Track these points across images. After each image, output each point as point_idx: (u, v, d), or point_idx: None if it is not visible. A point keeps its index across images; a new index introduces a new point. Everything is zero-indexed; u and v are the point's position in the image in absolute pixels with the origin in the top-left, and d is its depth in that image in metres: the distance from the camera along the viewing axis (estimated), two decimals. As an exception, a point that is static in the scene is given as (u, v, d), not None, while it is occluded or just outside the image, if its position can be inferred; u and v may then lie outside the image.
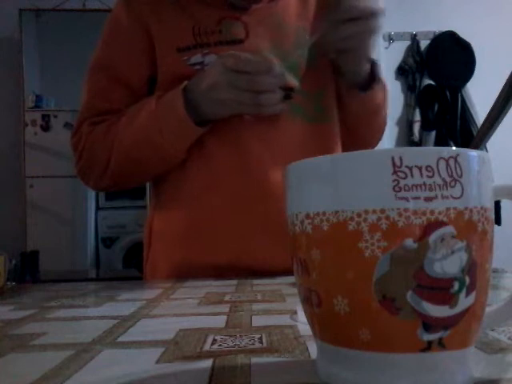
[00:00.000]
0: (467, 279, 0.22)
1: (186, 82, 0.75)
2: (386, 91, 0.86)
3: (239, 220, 0.77)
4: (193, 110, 0.74)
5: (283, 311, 0.44)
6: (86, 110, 0.84)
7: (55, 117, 2.91)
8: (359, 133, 0.91)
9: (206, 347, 0.32)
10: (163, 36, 0.79)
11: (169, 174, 0.82)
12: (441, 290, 0.22)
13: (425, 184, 0.22)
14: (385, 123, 0.93)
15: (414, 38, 3.03)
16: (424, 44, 3.04)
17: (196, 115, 0.74)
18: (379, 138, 0.95)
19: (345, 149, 0.89)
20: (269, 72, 0.71)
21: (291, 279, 0.63)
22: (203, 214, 0.78)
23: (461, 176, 0.22)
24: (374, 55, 0.81)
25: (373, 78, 0.81)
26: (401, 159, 0.22)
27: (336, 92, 0.86)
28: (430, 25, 2.99)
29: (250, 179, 0.77)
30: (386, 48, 3.06)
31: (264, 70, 0.71)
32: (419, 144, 2.96)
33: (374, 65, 0.81)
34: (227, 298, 0.53)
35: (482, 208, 0.23)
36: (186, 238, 0.79)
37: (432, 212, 0.21)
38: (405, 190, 0.22)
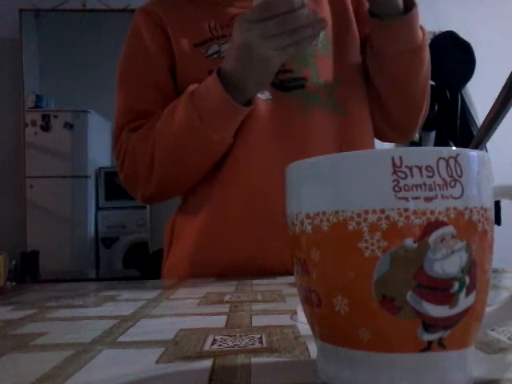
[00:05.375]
0: (467, 279, 0.22)
1: (219, 65, 0.71)
2: (426, 36, 0.80)
3: (257, 219, 0.76)
4: (235, 90, 0.70)
5: (283, 311, 0.44)
6: (123, 114, 0.83)
7: (55, 117, 2.91)
8: (403, 88, 0.84)
9: (206, 347, 0.32)
10: (180, 35, 0.81)
11: None
12: (441, 289, 0.22)
13: (425, 184, 0.22)
14: (428, 83, 0.88)
15: (414, 38, 3.02)
16: (424, 44, 3.04)
17: (241, 94, 0.71)
18: (423, 108, 0.89)
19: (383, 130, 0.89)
20: (300, 7, 0.64)
21: (291, 279, 0.63)
22: (222, 214, 0.78)
23: (461, 176, 0.22)
24: None
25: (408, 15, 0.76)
26: (401, 159, 0.22)
27: (371, 36, 0.81)
28: (430, 25, 2.97)
29: (268, 178, 0.76)
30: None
31: (296, 5, 0.63)
32: (419, 144, 2.95)
33: (410, 3, 0.77)
34: (227, 297, 0.53)
35: (482, 208, 0.23)
36: (204, 238, 0.79)
37: (432, 212, 0.21)
38: (405, 190, 0.22)
